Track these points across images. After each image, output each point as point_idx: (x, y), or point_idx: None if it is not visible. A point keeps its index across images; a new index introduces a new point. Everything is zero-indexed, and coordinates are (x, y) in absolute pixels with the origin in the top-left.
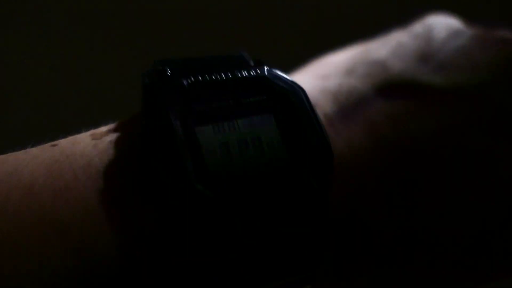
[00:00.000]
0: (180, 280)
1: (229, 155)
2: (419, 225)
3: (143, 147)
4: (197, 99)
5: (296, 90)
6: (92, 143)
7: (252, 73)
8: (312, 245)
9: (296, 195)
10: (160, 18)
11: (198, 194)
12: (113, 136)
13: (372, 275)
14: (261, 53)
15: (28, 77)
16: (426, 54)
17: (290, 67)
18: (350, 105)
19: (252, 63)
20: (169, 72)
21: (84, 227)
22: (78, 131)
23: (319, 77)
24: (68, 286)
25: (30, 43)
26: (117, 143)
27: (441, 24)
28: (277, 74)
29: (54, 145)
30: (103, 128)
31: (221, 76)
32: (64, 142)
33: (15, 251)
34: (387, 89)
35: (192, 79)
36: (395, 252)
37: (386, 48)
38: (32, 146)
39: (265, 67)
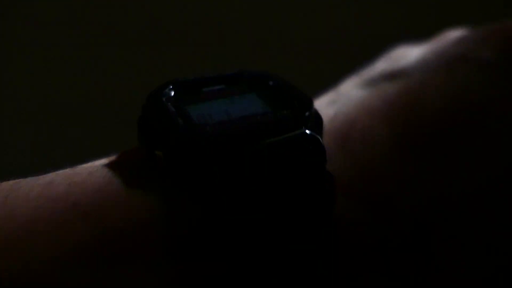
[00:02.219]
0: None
1: (211, 115)
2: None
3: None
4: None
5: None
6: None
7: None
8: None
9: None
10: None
11: (188, 142)
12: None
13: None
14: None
15: (27, 78)
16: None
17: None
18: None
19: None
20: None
21: (95, 198)
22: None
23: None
24: (78, 247)
25: (30, 46)
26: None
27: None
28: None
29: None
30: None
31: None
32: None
33: (30, 221)
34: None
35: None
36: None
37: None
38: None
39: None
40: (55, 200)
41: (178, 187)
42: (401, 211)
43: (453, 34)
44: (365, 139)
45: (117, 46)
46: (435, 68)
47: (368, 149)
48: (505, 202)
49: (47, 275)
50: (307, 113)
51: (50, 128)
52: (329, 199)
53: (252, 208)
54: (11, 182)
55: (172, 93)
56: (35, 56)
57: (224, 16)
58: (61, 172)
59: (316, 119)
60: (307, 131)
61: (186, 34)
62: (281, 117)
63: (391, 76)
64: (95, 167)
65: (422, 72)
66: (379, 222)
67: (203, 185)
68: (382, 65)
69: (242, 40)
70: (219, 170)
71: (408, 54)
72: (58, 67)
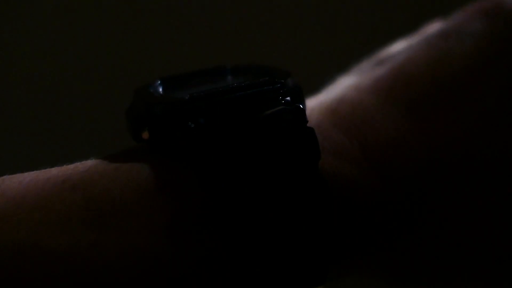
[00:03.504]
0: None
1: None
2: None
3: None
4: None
5: None
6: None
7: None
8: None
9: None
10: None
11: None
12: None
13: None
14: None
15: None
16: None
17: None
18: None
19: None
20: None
21: (86, 177)
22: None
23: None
24: (63, 211)
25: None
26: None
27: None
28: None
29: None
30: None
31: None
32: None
33: (18, 196)
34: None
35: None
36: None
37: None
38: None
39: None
40: (47, 179)
41: (163, 156)
42: (390, 174)
43: (436, 22)
44: (354, 109)
45: (116, 46)
46: (417, 47)
47: (356, 116)
48: (488, 159)
49: (35, 240)
50: (282, 80)
51: (47, 129)
52: (313, 150)
53: (237, 164)
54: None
55: (160, 88)
56: (35, 56)
57: (223, 15)
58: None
59: (294, 87)
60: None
61: (185, 33)
62: (260, 81)
63: (379, 62)
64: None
65: (406, 52)
66: (370, 181)
67: (187, 148)
68: (371, 59)
69: (241, 38)
70: (204, 124)
71: (395, 46)
72: (57, 67)
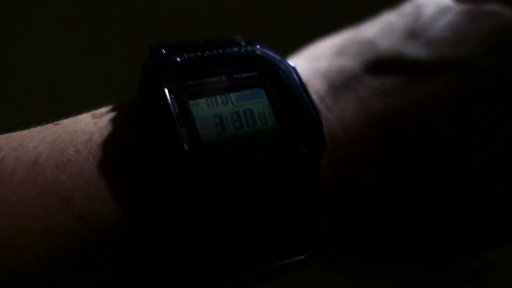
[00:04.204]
0: (177, 246)
1: (221, 126)
2: (406, 193)
3: (139, 121)
4: (190, 74)
5: (286, 66)
6: (93, 121)
7: (243, 50)
8: (304, 211)
9: (288, 162)
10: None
11: (192, 162)
12: (112, 115)
13: (362, 252)
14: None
15: (25, 69)
16: (414, 31)
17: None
18: (340, 82)
19: (243, 42)
20: (163, 51)
21: (86, 194)
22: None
23: (311, 59)
24: (72, 249)
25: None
26: (116, 120)
27: (430, 2)
28: (268, 51)
29: (56, 124)
30: (103, 109)
31: (212, 53)
32: (66, 121)
33: (22, 217)
34: (376, 66)
35: (185, 56)
36: (383, 223)
37: (374, 28)
38: (36, 126)
39: (257, 45)
40: (44, 193)
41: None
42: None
43: None
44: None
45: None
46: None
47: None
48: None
49: (40, 274)
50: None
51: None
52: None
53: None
54: None
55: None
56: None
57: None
58: (41, 137)
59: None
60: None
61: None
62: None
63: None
64: (81, 139)
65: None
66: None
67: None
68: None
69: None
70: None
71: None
72: (54, 58)
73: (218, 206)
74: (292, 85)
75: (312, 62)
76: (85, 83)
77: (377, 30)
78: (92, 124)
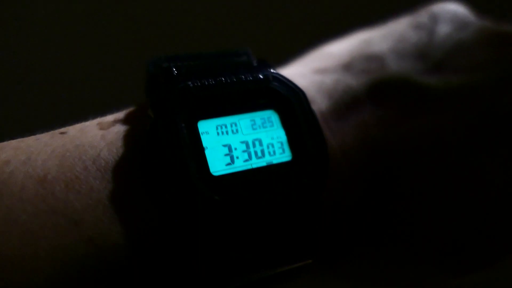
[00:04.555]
0: (183, 274)
1: (230, 157)
2: (400, 219)
3: (150, 145)
4: (202, 102)
5: (297, 93)
6: (100, 134)
7: (255, 76)
8: (306, 239)
9: (294, 197)
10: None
11: (200, 196)
12: (120, 128)
13: (357, 263)
14: (260, 41)
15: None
16: (426, 51)
17: (289, 54)
18: (345, 104)
19: (255, 62)
20: (175, 72)
21: (96, 216)
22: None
23: (317, 71)
24: (81, 271)
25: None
26: (125, 137)
27: (447, 14)
28: (280, 76)
29: (63, 133)
30: (109, 118)
31: (225, 79)
32: (73, 130)
33: (32, 237)
34: (382, 91)
35: (198, 83)
36: (377, 243)
37: (387, 41)
38: (42, 132)
39: (269, 70)
40: (54, 212)
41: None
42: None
43: (438, 9)
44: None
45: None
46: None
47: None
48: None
49: None
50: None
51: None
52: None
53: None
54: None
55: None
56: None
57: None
58: (49, 150)
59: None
60: None
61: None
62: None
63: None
64: (89, 155)
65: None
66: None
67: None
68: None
69: (241, 27)
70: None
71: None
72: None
73: (220, 242)
74: (303, 116)
75: (318, 74)
76: (86, 81)
77: (388, 45)
78: (99, 137)
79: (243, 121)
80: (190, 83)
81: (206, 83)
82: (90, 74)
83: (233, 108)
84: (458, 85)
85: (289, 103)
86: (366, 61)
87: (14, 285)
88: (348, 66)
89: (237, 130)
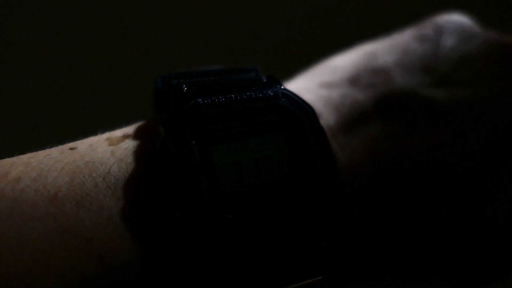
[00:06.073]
0: None
1: (240, 174)
2: (409, 235)
3: (160, 163)
4: (212, 119)
5: (306, 110)
6: (110, 150)
7: (265, 93)
8: (316, 255)
9: (304, 214)
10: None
11: (212, 214)
12: (129, 144)
13: (365, 279)
14: (266, 53)
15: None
16: (432, 63)
17: (294, 64)
18: (352, 119)
19: (264, 78)
20: (185, 89)
21: (106, 235)
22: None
23: (323, 85)
24: None
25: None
26: (134, 153)
27: (452, 25)
28: (288, 92)
29: (72, 148)
30: (118, 133)
31: (235, 96)
32: (82, 146)
33: (42, 257)
34: (388, 105)
35: (208, 100)
36: (385, 258)
37: (392, 54)
38: (51, 147)
39: (278, 86)
40: (65, 231)
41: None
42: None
43: (443, 20)
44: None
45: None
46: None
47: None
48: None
49: None
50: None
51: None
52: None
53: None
54: (11, 182)
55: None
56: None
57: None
58: (59, 167)
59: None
60: None
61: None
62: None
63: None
64: (99, 171)
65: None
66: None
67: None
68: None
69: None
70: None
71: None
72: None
73: (232, 260)
74: (312, 132)
75: (324, 88)
76: (93, 92)
77: (393, 58)
78: (109, 153)
79: (253, 138)
80: (200, 100)
81: (216, 100)
82: (97, 86)
83: (243, 124)
84: (465, 98)
85: (298, 119)
86: (372, 75)
87: None
88: (354, 80)
89: (246, 147)
